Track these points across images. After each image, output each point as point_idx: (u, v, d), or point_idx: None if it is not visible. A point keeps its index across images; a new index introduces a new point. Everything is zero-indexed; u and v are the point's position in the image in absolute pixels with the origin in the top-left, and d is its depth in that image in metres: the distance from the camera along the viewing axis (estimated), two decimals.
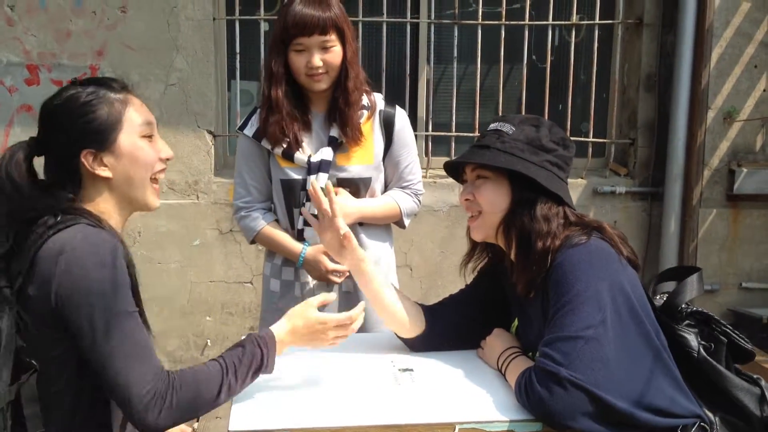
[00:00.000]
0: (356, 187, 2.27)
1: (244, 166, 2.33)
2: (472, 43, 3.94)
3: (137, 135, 1.56)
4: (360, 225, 2.29)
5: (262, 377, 1.60)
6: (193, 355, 3.98)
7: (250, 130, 2.30)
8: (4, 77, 3.69)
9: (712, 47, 3.87)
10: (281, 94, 2.21)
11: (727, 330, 1.65)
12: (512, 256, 1.69)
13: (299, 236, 2.29)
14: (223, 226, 3.89)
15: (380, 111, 2.33)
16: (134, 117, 1.56)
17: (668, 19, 3.94)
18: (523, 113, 4.00)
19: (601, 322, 1.49)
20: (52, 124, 1.53)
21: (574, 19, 3.99)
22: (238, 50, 3.84)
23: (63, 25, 3.67)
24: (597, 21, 3.96)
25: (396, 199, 2.36)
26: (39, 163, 1.55)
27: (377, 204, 2.32)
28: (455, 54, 3.94)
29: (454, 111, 3.99)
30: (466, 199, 1.72)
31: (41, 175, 1.56)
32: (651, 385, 1.51)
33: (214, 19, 3.78)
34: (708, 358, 1.60)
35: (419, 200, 2.43)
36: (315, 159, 2.24)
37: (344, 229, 1.83)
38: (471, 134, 4.01)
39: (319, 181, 2.23)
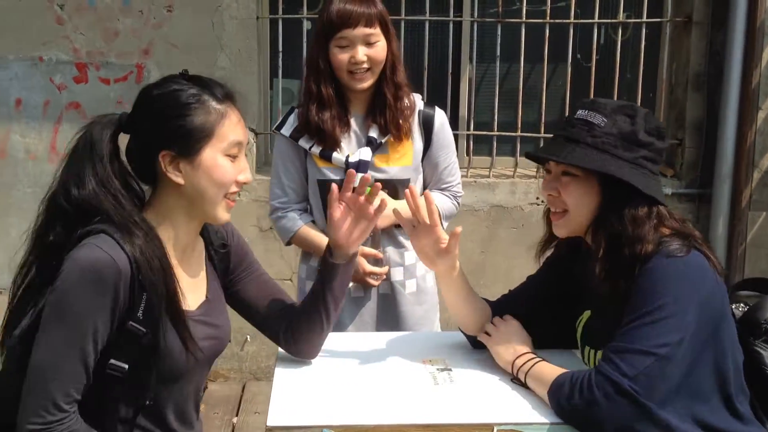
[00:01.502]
0: (394, 188, 2.24)
1: (281, 166, 2.31)
2: (515, 42, 3.90)
3: (222, 152, 1.50)
4: (397, 227, 2.27)
5: (300, 373, 1.59)
6: (233, 350, 4.01)
7: (287, 130, 2.28)
8: (54, 75, 3.77)
9: (764, 46, 3.77)
10: (331, 91, 2.20)
11: None
12: (600, 255, 1.59)
13: None
14: (263, 224, 3.92)
15: (419, 111, 2.30)
16: (226, 133, 1.50)
17: (718, 18, 3.84)
18: (567, 113, 3.95)
19: (679, 342, 1.43)
20: (145, 111, 1.51)
21: (621, 17, 3.92)
22: (280, 49, 3.86)
23: (111, 24, 3.74)
24: (644, 19, 3.88)
25: (434, 200, 2.33)
26: None
27: None
28: (498, 53, 3.90)
29: (496, 110, 3.95)
30: (550, 195, 1.63)
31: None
32: (718, 408, 1.48)
33: (257, 18, 3.81)
34: None
35: (458, 202, 2.39)
36: (353, 159, 2.22)
37: (446, 239, 1.70)
38: (513, 134, 3.97)
39: (357, 182, 2.21)
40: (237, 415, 3.64)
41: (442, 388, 1.65)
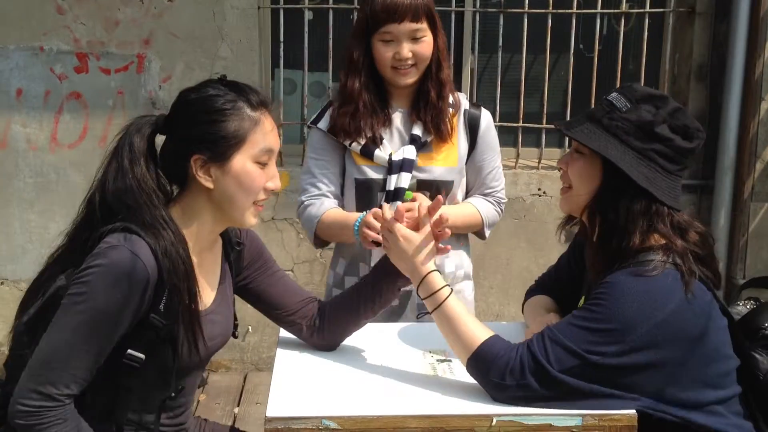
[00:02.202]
0: (437, 190, 2.10)
1: (315, 162, 2.16)
2: (517, 32, 3.89)
3: (252, 159, 1.51)
4: None
5: (300, 363, 1.59)
6: (235, 341, 4.01)
7: (324, 124, 2.14)
8: (54, 65, 3.76)
9: (767, 37, 3.75)
10: (358, 85, 2.07)
11: None
12: (594, 239, 1.59)
13: None
14: (264, 214, 3.91)
15: (465, 111, 2.18)
16: (258, 141, 1.51)
17: (721, 8, 3.83)
18: (569, 104, 3.95)
19: (614, 354, 1.43)
20: (181, 113, 1.54)
21: (624, 7, 3.90)
22: (282, 39, 3.85)
23: (111, 13, 3.72)
24: (647, 9, 3.87)
25: (477, 207, 2.18)
26: None
27: (458, 211, 2.13)
28: (500, 43, 3.89)
29: (498, 101, 3.94)
30: (561, 168, 1.63)
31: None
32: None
33: (258, 8, 3.80)
34: None
35: (501, 209, 2.26)
36: (397, 158, 2.08)
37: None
38: (515, 124, 3.96)
39: (401, 182, 2.09)
40: (238, 405, 3.65)
41: (442, 379, 1.65)
